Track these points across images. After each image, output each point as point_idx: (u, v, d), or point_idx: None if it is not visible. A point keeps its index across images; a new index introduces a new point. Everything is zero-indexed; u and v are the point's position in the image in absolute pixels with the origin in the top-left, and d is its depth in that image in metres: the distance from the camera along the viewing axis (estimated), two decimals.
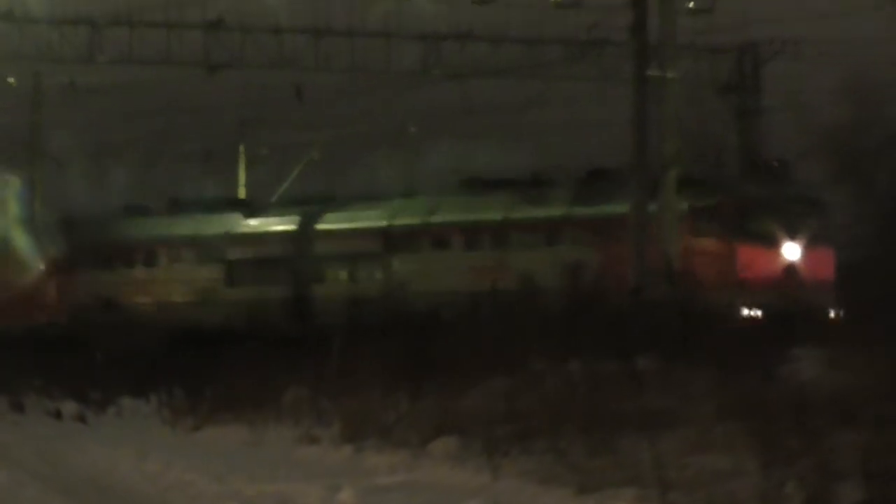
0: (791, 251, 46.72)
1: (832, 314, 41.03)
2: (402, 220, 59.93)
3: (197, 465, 26.98)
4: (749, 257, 47.73)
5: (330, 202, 65.05)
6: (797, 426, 17.85)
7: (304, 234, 61.81)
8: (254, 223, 65.09)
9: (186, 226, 65.12)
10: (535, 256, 53.82)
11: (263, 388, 35.21)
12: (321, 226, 62.10)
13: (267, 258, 61.12)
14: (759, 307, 44.56)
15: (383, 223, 60.00)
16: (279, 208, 67.73)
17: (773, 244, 48.06)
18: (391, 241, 59.35)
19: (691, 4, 56.84)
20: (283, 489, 23.57)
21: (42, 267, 65.06)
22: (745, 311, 45.21)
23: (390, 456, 26.92)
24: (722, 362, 27.26)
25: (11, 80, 73.31)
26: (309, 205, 65.20)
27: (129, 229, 67.41)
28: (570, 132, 70.74)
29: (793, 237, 47.56)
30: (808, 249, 48.24)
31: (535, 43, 67.96)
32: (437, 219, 59.31)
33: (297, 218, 62.83)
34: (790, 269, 47.28)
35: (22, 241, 64.94)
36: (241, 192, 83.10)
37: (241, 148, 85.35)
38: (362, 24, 67.31)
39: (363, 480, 24.46)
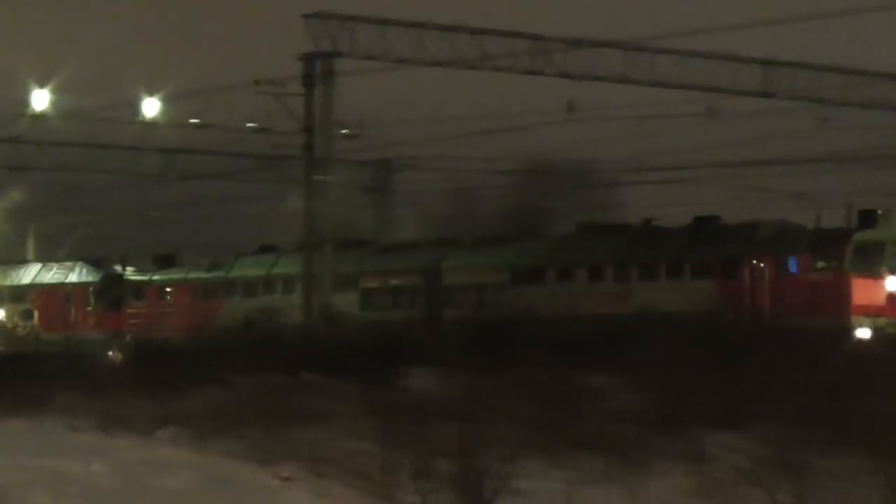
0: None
1: None
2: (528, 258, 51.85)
3: None
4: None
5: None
6: (412, 420, 17.90)
7: (435, 268, 53.16)
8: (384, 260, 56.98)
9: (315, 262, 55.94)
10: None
11: (41, 394, 34.40)
12: (448, 262, 53.30)
13: (397, 287, 53.94)
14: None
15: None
16: (402, 248, 58.97)
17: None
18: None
19: (344, 131, 56.64)
20: (52, 463, 23.18)
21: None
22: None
23: (130, 440, 26.70)
24: (363, 377, 27.49)
25: None
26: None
27: (261, 266, 59.74)
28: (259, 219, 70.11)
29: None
30: None
31: (238, 156, 68.06)
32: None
33: (427, 256, 54.38)
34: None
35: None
36: None
37: None
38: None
39: (110, 457, 24.20)
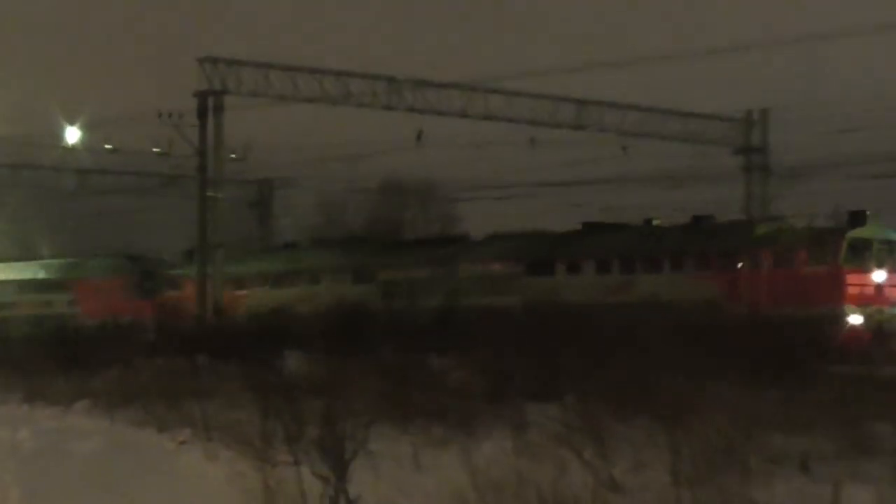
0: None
1: None
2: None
3: None
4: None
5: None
6: (285, 395, 17.84)
7: (453, 261, 49.37)
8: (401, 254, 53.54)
9: (342, 256, 54.18)
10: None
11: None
12: (465, 255, 49.92)
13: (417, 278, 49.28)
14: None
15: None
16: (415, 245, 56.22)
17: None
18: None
19: (233, 156, 56.73)
20: None
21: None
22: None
23: (51, 411, 26.46)
24: (244, 359, 27.33)
25: None
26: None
27: (278, 261, 57.40)
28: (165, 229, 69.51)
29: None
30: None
31: (145, 174, 67.89)
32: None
33: (447, 250, 50.60)
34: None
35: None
36: None
37: None
38: None
39: (33, 425, 23.98)
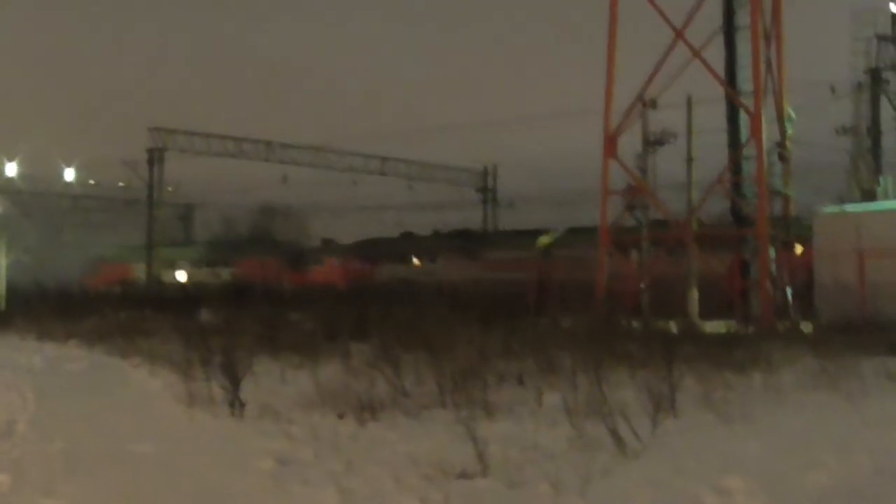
0: None
1: None
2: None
3: None
4: None
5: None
6: (200, 335, 17.35)
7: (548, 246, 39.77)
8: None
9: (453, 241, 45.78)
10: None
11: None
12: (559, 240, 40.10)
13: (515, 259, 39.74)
14: None
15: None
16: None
17: None
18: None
19: (169, 188, 55.48)
20: (10, 355, 21.80)
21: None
22: None
23: (52, 344, 25.16)
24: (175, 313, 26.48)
25: None
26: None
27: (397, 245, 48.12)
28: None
29: None
30: None
31: (114, 200, 66.37)
32: None
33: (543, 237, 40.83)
34: None
35: None
36: None
37: None
38: None
39: (42, 352, 22.84)
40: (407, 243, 48.46)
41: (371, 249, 48.21)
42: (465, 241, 45.77)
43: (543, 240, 40.79)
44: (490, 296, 28.06)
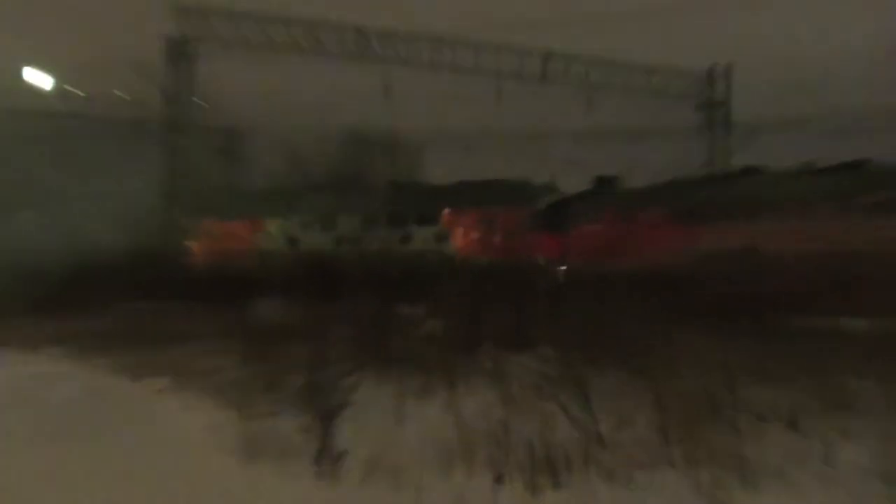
0: None
1: None
2: None
3: None
4: None
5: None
6: (263, 342, 17.52)
7: None
8: None
9: None
10: None
11: None
12: None
13: None
14: None
15: None
16: None
17: None
18: None
19: (203, 104, 56.50)
20: None
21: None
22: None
23: (16, 354, 25.97)
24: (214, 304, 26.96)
25: None
26: None
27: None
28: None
29: None
30: None
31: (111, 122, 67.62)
32: None
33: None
34: None
35: None
36: None
37: None
38: None
39: (9, 368, 23.57)
40: (750, 185, 39.71)
41: (677, 198, 41.57)
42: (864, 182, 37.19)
43: None
44: None
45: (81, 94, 62.73)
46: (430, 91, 57.56)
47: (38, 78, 62.65)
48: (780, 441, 12.81)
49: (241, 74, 70.90)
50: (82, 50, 70.50)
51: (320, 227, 52.21)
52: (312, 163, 72.56)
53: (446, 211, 49.40)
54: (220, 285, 33.51)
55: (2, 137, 68.51)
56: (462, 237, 48.46)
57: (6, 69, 66.12)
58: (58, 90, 64.04)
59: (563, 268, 39.64)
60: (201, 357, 20.26)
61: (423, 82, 57.08)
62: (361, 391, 15.05)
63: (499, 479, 11.89)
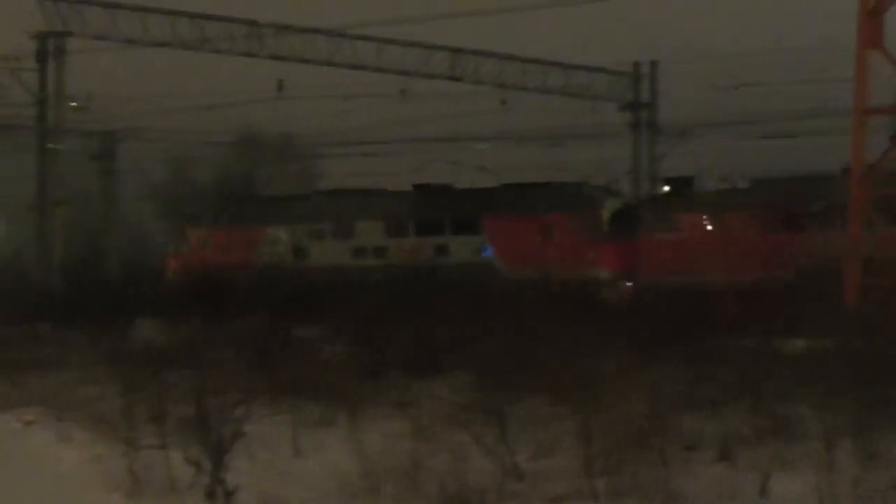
0: None
1: None
2: None
3: None
4: None
5: None
6: (145, 368, 17.40)
7: None
8: None
9: None
10: None
11: None
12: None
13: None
14: None
15: None
16: None
17: None
18: None
19: (74, 104, 55.71)
20: None
21: None
22: None
23: None
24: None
25: None
26: None
27: None
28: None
29: None
30: None
31: None
32: None
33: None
34: None
35: None
36: None
37: None
38: None
39: None
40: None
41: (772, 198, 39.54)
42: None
43: None
44: None
45: None
46: (329, 90, 57.84)
47: None
48: (711, 472, 13.00)
49: (118, 72, 70.74)
50: None
51: (333, 235, 50.16)
52: (198, 167, 72.60)
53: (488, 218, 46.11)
54: (103, 306, 33.42)
55: None
56: (502, 249, 45.33)
57: None
58: None
59: (629, 283, 39.93)
60: (78, 385, 20.17)
61: (321, 80, 57.41)
62: (254, 421, 15.08)
63: None
